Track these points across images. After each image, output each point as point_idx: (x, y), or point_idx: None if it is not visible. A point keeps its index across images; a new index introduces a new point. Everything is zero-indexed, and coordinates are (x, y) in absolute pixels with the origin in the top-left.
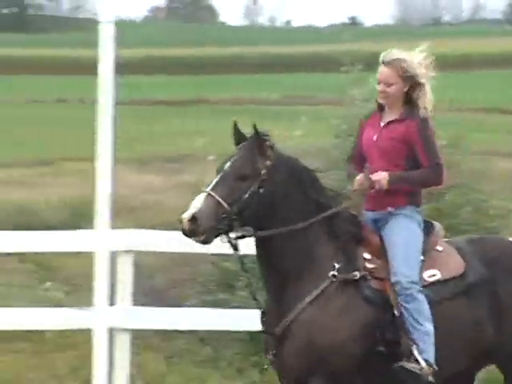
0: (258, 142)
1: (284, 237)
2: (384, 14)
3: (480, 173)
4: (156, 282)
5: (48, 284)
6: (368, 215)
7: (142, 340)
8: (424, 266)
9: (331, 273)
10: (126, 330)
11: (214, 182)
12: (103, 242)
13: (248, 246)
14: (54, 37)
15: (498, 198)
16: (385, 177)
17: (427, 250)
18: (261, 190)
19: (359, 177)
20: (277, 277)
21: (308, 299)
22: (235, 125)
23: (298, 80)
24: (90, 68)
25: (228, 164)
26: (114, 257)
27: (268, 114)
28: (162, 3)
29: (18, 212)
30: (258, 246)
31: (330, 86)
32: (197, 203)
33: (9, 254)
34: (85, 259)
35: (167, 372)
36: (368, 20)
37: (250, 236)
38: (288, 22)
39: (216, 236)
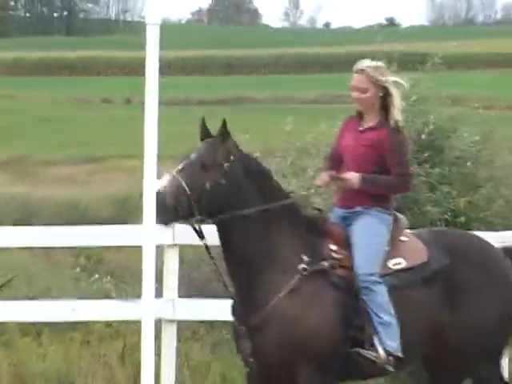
0: (225, 138)
1: (241, 226)
2: (420, 14)
3: None
4: (200, 275)
5: (98, 277)
6: (338, 212)
7: (187, 330)
8: (389, 255)
9: (301, 266)
10: (172, 320)
11: (179, 167)
12: (150, 236)
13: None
14: (102, 39)
15: None
16: (356, 177)
17: (393, 240)
18: (222, 181)
19: (324, 174)
20: (240, 267)
21: (283, 291)
22: (203, 121)
23: (335, 79)
24: (136, 69)
25: (194, 154)
26: (160, 250)
27: (306, 111)
28: (204, 7)
29: (68, 208)
30: (219, 237)
31: None
32: (161, 183)
33: (61, 248)
34: (132, 253)
35: (212, 360)
36: (404, 21)
37: (207, 220)
38: (327, 24)
39: (176, 219)
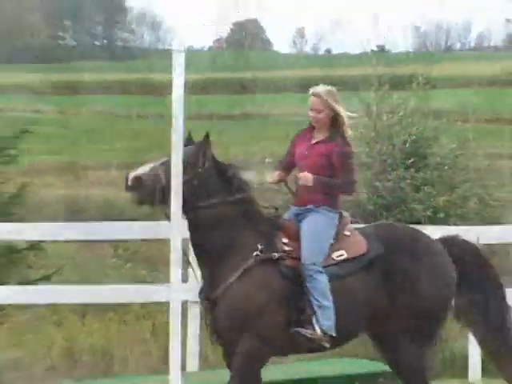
0: (205, 145)
1: (205, 219)
2: (406, 42)
3: (485, 171)
4: None
5: (134, 265)
6: (293, 209)
7: None
8: (334, 248)
9: (255, 253)
10: (196, 301)
11: (161, 160)
12: (176, 230)
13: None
14: (137, 63)
15: (501, 191)
16: (310, 176)
17: (337, 235)
18: (194, 182)
19: (275, 173)
20: (205, 253)
21: (236, 273)
22: (189, 134)
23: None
24: (165, 88)
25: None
26: (186, 242)
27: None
28: (224, 36)
29: (108, 206)
30: (188, 228)
31: (358, 102)
32: (144, 168)
33: (103, 241)
34: (163, 244)
35: None
36: (393, 47)
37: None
38: (328, 50)
39: (149, 202)
